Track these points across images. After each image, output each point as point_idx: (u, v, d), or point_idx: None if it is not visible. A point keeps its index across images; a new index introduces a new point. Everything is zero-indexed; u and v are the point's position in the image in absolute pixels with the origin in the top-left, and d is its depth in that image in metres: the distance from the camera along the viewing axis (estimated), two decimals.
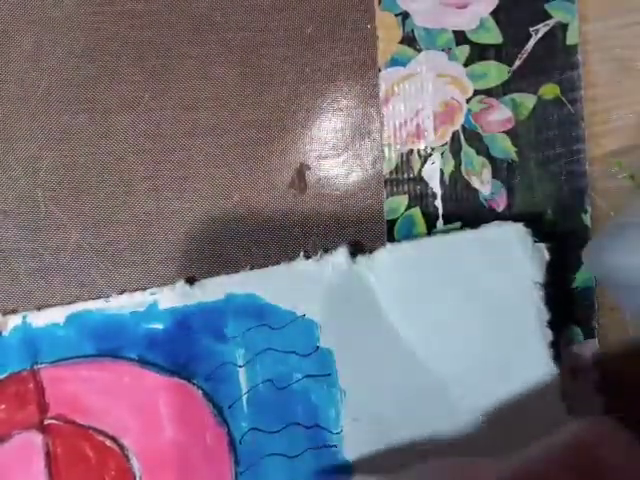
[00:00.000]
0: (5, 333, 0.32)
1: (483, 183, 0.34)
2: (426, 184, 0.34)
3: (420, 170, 0.34)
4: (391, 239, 0.33)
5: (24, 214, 0.34)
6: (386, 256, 0.32)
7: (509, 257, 0.31)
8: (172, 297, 0.32)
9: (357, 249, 0.33)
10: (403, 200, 0.34)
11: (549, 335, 0.31)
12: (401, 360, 0.32)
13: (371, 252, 0.32)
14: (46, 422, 0.32)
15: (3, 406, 0.32)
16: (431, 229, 0.33)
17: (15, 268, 0.33)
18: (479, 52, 0.34)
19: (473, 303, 0.31)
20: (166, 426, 0.32)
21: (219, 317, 0.32)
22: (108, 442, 0.32)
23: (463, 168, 0.34)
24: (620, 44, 0.34)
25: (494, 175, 0.34)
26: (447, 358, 0.32)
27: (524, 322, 0.31)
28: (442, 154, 0.34)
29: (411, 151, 0.34)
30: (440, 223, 0.33)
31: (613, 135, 0.34)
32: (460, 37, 0.34)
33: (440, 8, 0.34)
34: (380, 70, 0.34)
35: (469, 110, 0.34)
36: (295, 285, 0.32)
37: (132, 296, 0.33)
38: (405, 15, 0.34)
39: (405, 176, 0.34)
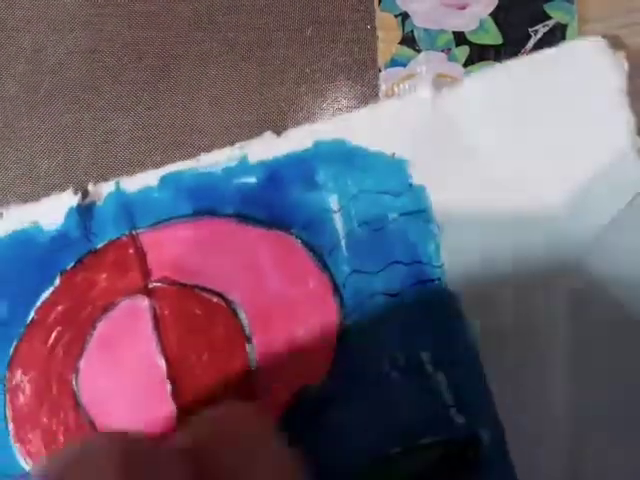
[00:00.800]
0: (100, 202, 0.32)
1: None
2: None
3: None
4: None
5: None
6: (471, 85, 0.31)
7: (592, 70, 0.31)
8: (261, 150, 0.32)
9: (441, 83, 0.32)
10: None
11: (638, 142, 0.31)
12: (492, 191, 0.31)
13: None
14: (150, 286, 0.32)
15: (105, 275, 0.32)
16: None
17: None
18: (479, 53, 0.34)
19: (563, 120, 0.31)
20: (270, 278, 0.31)
21: (309, 165, 0.32)
22: (215, 299, 0.31)
23: None
24: None
25: None
26: (539, 182, 0.31)
27: (615, 131, 0.31)
28: None
29: None
30: None
31: None
32: (460, 38, 0.34)
33: (440, 9, 0.34)
34: (380, 70, 0.34)
35: None
36: (381, 125, 0.32)
37: (222, 152, 0.32)
38: (405, 16, 0.34)
39: None
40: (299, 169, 0.32)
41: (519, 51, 0.34)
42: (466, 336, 0.31)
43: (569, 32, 0.34)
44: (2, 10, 0.34)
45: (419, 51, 0.34)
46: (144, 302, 0.32)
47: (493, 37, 0.34)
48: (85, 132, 0.34)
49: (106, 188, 0.32)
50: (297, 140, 0.32)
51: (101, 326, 0.32)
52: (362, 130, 0.32)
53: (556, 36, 0.34)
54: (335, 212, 0.32)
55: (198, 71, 0.34)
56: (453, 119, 0.31)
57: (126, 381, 0.31)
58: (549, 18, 0.34)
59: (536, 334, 0.31)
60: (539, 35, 0.34)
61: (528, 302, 0.31)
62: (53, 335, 0.32)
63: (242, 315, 0.31)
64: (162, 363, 0.31)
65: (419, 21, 0.34)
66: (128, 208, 0.32)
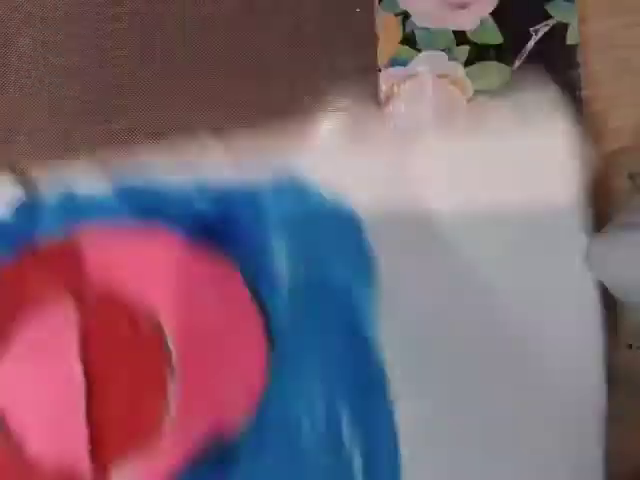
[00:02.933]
0: (46, 195, 0.31)
1: None
2: None
3: None
4: None
5: None
6: (438, 144, 0.32)
7: (561, 160, 0.31)
8: (220, 176, 0.31)
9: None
10: None
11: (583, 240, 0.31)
12: (445, 260, 0.31)
13: None
14: (82, 293, 0.30)
15: (38, 272, 0.30)
16: None
17: None
18: (479, 52, 0.34)
19: (518, 197, 0.31)
20: (205, 311, 0.31)
21: (267, 203, 0.31)
22: (145, 322, 0.30)
23: None
24: (620, 44, 0.34)
25: None
26: (490, 257, 0.31)
27: (565, 222, 0.31)
28: None
29: None
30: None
31: (613, 135, 0.34)
32: (460, 37, 0.34)
33: (440, 8, 0.34)
34: (380, 70, 0.34)
35: None
36: (345, 173, 0.31)
37: (182, 175, 0.31)
38: (405, 15, 0.34)
39: None
40: (255, 205, 0.31)
41: (520, 51, 0.34)
42: (390, 420, 0.30)
43: (570, 32, 0.33)
44: (2, 11, 0.34)
45: (419, 51, 0.34)
46: (72, 308, 0.30)
47: (494, 36, 0.34)
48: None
49: (55, 181, 0.30)
50: (256, 170, 0.31)
51: (26, 323, 0.30)
52: (325, 172, 0.31)
53: (557, 35, 0.33)
54: (285, 258, 0.31)
55: (198, 72, 0.34)
56: (418, 184, 0.31)
57: (41, 390, 0.30)
58: (550, 17, 0.34)
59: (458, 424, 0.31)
60: (540, 34, 0.34)
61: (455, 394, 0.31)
62: None
63: (169, 340, 0.30)
64: (81, 378, 0.30)
65: (420, 20, 0.34)
66: (75, 208, 0.30)
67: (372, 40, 0.34)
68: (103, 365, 0.30)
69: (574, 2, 0.34)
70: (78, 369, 0.30)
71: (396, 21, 0.34)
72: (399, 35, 0.34)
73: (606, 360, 0.32)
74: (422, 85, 0.34)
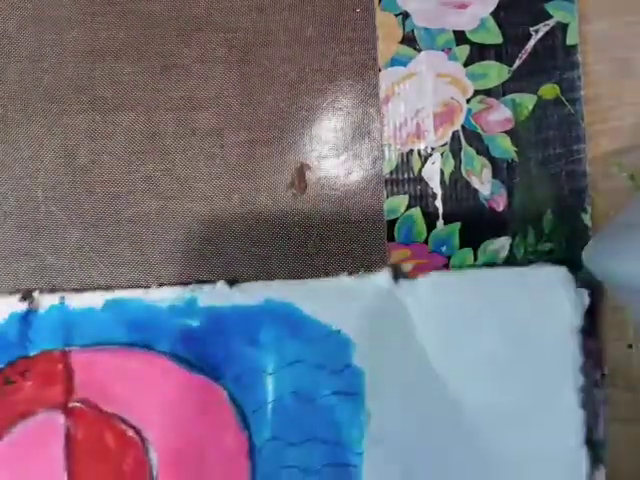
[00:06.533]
0: (42, 310, 0.32)
1: (483, 183, 0.34)
2: (426, 184, 0.34)
3: (420, 170, 0.34)
4: (391, 239, 0.33)
5: (24, 214, 0.34)
6: (428, 283, 0.32)
7: (550, 300, 0.32)
8: (212, 296, 0.32)
9: (399, 272, 0.33)
10: (403, 200, 0.34)
11: (580, 380, 0.31)
12: (431, 389, 0.32)
13: (411, 276, 0.33)
14: (70, 405, 0.32)
15: (30, 383, 0.32)
16: (431, 229, 0.34)
17: (15, 269, 0.34)
18: (479, 52, 0.34)
19: (509, 341, 0.32)
20: (189, 424, 0.32)
21: (255, 321, 0.32)
22: (130, 432, 0.32)
23: (463, 168, 0.34)
24: (620, 44, 0.34)
25: (494, 175, 0.34)
26: (476, 392, 0.32)
27: (558, 365, 0.31)
28: (442, 154, 0.34)
29: (411, 151, 0.34)
30: (440, 223, 0.34)
31: (613, 135, 0.34)
32: (460, 37, 0.34)
33: (440, 8, 0.34)
34: (380, 70, 0.34)
35: (469, 110, 0.34)
36: (334, 300, 0.32)
37: (173, 290, 0.33)
38: (405, 15, 0.34)
39: (405, 176, 0.34)
40: (244, 322, 0.32)
41: (520, 50, 0.34)
42: None
43: (570, 31, 0.33)
44: (2, 11, 0.34)
45: (419, 50, 0.34)
46: (60, 420, 0.32)
47: (494, 36, 0.34)
48: (84, 132, 0.34)
49: (49, 299, 0.33)
50: (248, 294, 0.32)
51: (15, 432, 0.32)
52: (314, 300, 0.32)
53: (557, 35, 0.33)
54: (269, 374, 0.32)
55: (198, 72, 0.34)
56: (405, 311, 0.32)
57: None
58: (550, 17, 0.34)
59: None
60: (540, 34, 0.34)
61: None
62: None
63: (153, 455, 0.32)
64: None
65: (419, 20, 0.34)
66: (67, 323, 0.32)
67: (372, 40, 0.34)
68: (87, 473, 0.32)
69: (574, 2, 0.34)
70: (64, 476, 0.32)
71: (396, 21, 0.34)
72: (399, 35, 0.34)
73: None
74: (422, 85, 0.34)
